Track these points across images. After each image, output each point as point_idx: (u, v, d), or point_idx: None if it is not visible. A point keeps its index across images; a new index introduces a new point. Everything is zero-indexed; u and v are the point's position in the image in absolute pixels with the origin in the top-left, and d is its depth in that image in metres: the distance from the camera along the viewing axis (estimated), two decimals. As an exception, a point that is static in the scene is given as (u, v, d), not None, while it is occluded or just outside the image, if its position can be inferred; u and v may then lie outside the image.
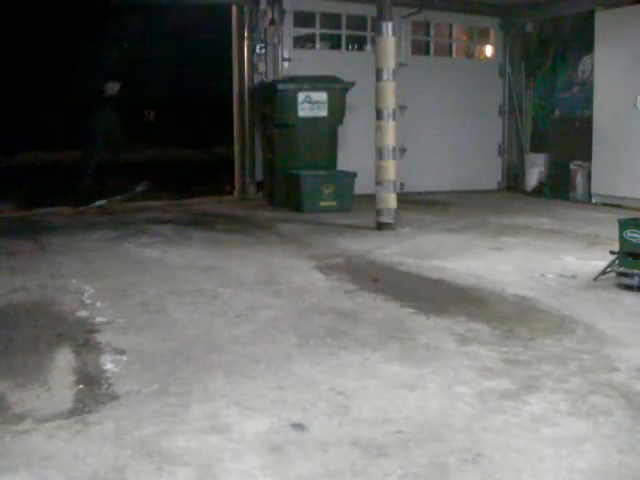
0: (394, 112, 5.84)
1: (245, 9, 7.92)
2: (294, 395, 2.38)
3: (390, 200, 5.88)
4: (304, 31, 8.21)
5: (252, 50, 7.90)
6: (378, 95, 5.78)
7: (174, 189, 8.25)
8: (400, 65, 7.60)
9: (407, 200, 7.06)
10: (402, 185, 7.79)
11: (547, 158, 8.63)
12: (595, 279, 3.98)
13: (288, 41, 7.96)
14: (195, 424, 2.15)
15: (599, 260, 4.25)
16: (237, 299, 3.62)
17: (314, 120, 7.24)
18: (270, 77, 7.88)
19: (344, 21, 8.33)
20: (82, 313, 3.37)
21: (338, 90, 7.28)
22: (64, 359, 2.73)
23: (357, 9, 8.25)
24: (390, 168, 5.85)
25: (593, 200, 7.77)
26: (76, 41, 13.16)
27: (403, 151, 8.23)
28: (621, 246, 3.89)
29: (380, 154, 5.84)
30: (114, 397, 2.36)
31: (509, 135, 9.42)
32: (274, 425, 2.14)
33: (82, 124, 8.27)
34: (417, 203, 7.53)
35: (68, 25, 12.40)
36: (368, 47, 8.34)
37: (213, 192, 8.31)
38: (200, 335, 3.05)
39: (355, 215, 6.59)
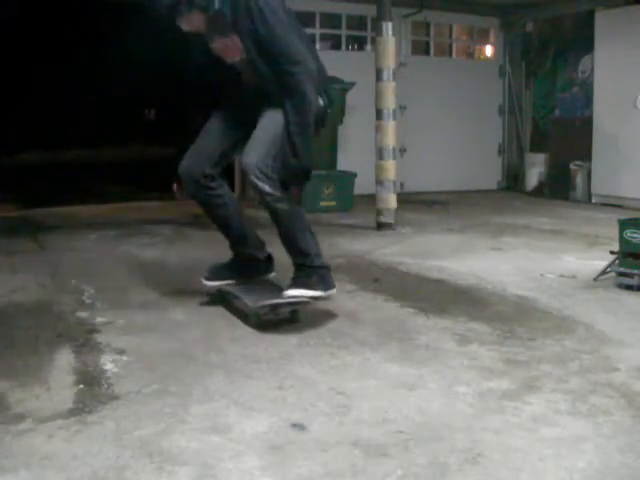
0: (394, 112, 5.84)
1: (245, 9, 7.91)
2: (294, 395, 2.38)
3: (390, 200, 5.89)
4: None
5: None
6: (378, 95, 5.79)
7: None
8: (400, 65, 7.61)
9: (407, 200, 7.06)
10: (402, 185, 7.79)
11: (547, 158, 8.63)
12: (595, 279, 3.98)
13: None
14: (195, 424, 2.15)
15: (599, 260, 4.25)
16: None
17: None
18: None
19: (344, 21, 8.33)
20: (82, 313, 3.37)
21: (338, 90, 7.28)
22: (64, 359, 2.73)
23: (357, 9, 8.25)
24: (390, 168, 5.85)
25: (593, 200, 7.78)
26: (77, 41, 13.18)
27: (403, 151, 8.23)
28: (621, 246, 3.89)
29: (380, 154, 5.84)
30: (114, 397, 2.36)
31: (509, 135, 9.43)
32: (274, 425, 2.14)
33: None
34: (417, 203, 7.53)
35: (69, 24, 12.41)
36: (368, 47, 8.34)
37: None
38: (200, 335, 3.05)
39: (355, 215, 6.59)
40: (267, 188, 3.04)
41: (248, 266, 3.46)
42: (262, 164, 3.04)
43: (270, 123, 3.12)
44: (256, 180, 3.04)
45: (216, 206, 3.37)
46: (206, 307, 3.47)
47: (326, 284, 3.18)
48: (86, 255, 4.81)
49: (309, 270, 3.16)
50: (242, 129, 3.21)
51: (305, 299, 3.14)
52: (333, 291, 3.21)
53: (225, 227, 3.46)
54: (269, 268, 3.51)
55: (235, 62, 3.14)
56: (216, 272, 3.47)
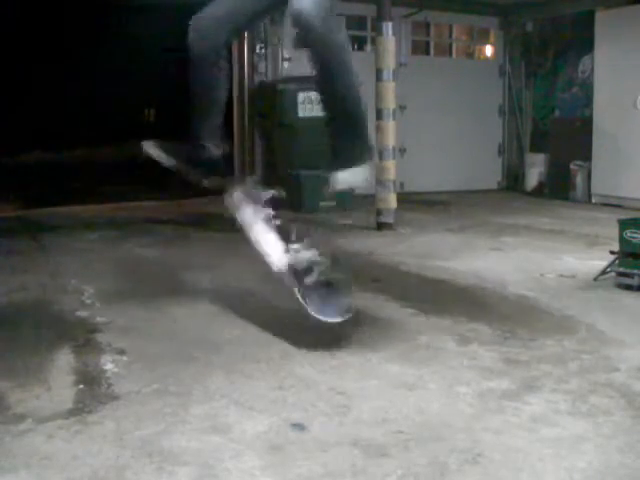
0: (394, 112, 5.84)
1: (245, 9, 7.91)
2: (294, 395, 2.38)
3: (390, 200, 5.89)
4: (304, 31, 8.19)
5: (252, 50, 7.90)
6: (378, 95, 5.79)
7: (173, 189, 8.26)
8: (400, 65, 7.60)
9: (407, 200, 7.06)
10: (402, 185, 7.78)
11: (547, 158, 8.63)
12: (595, 279, 3.98)
13: (288, 41, 7.96)
14: (195, 424, 2.15)
15: (599, 260, 4.25)
16: (237, 299, 3.62)
17: (314, 120, 7.23)
18: (270, 77, 7.88)
19: (344, 21, 8.33)
20: (82, 313, 3.37)
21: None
22: (64, 359, 2.73)
23: (357, 9, 8.25)
24: (390, 168, 5.85)
25: (593, 200, 7.78)
26: (77, 41, 13.18)
27: (403, 151, 8.23)
28: (621, 246, 3.89)
29: (380, 154, 5.83)
30: (114, 397, 2.36)
31: (509, 135, 9.43)
32: (274, 425, 2.14)
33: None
34: (417, 203, 7.53)
35: (69, 24, 12.42)
36: (368, 47, 8.34)
37: (213, 192, 8.30)
38: (200, 335, 3.05)
39: (355, 215, 6.59)
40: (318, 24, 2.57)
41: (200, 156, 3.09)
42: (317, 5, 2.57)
43: None
44: (307, 19, 2.55)
45: (216, 88, 2.98)
46: (206, 307, 3.48)
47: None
48: (86, 255, 4.81)
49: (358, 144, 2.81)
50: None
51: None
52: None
53: (210, 110, 3.05)
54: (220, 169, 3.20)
55: None
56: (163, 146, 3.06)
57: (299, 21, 2.62)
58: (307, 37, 2.63)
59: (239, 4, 2.89)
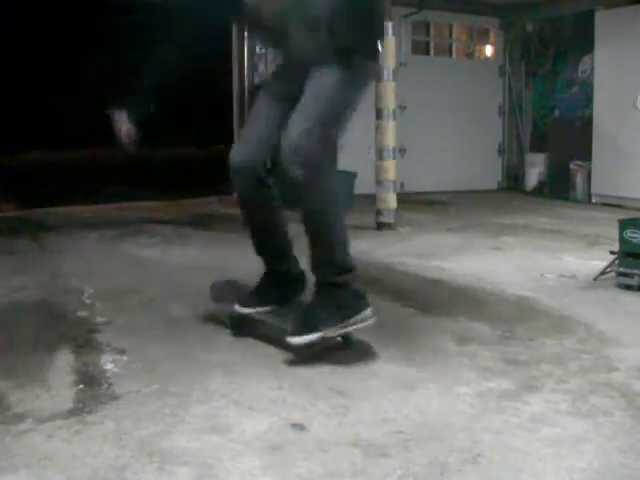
0: (394, 112, 5.84)
1: (245, 9, 7.93)
2: (294, 395, 2.38)
3: (390, 200, 5.89)
4: (304, 31, 8.19)
5: (252, 50, 7.90)
6: (378, 95, 5.79)
7: (173, 189, 8.27)
8: (400, 65, 7.60)
9: (407, 200, 7.06)
10: (402, 185, 7.78)
11: (547, 158, 8.63)
12: (595, 279, 3.98)
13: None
14: (195, 424, 2.15)
15: (599, 260, 4.25)
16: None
17: (314, 120, 7.23)
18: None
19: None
20: (82, 313, 3.37)
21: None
22: (64, 359, 2.73)
23: (357, 9, 8.25)
24: (390, 168, 5.85)
25: (593, 200, 7.77)
26: (77, 40, 13.19)
27: (403, 151, 8.22)
28: (621, 246, 3.89)
29: (380, 154, 5.84)
30: (114, 397, 2.36)
31: (509, 135, 9.43)
32: (274, 425, 2.14)
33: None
34: (417, 203, 7.53)
35: (69, 24, 12.42)
36: (368, 47, 8.33)
37: (213, 192, 8.31)
38: (200, 335, 3.05)
39: (355, 215, 6.58)
40: (300, 173, 2.49)
41: (282, 286, 2.96)
42: (304, 137, 2.47)
43: (317, 85, 2.56)
44: (290, 162, 2.47)
45: (269, 210, 2.85)
46: (206, 306, 3.47)
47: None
48: (86, 255, 4.81)
49: (341, 291, 2.71)
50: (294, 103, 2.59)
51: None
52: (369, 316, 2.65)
53: (267, 238, 2.92)
54: (303, 285, 3.00)
55: None
56: (249, 297, 2.99)
57: (285, 172, 2.54)
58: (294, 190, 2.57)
59: (264, 128, 2.78)
